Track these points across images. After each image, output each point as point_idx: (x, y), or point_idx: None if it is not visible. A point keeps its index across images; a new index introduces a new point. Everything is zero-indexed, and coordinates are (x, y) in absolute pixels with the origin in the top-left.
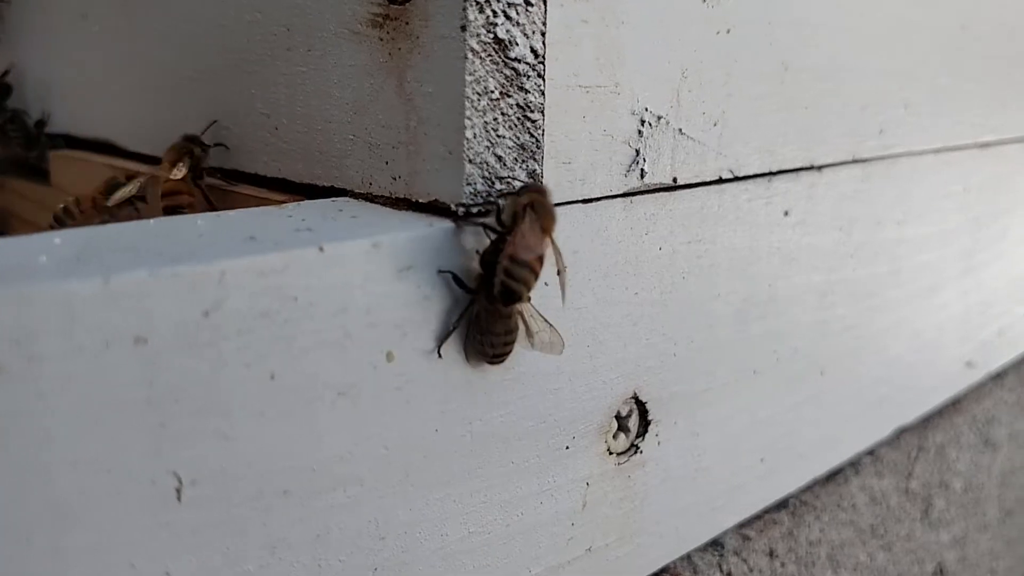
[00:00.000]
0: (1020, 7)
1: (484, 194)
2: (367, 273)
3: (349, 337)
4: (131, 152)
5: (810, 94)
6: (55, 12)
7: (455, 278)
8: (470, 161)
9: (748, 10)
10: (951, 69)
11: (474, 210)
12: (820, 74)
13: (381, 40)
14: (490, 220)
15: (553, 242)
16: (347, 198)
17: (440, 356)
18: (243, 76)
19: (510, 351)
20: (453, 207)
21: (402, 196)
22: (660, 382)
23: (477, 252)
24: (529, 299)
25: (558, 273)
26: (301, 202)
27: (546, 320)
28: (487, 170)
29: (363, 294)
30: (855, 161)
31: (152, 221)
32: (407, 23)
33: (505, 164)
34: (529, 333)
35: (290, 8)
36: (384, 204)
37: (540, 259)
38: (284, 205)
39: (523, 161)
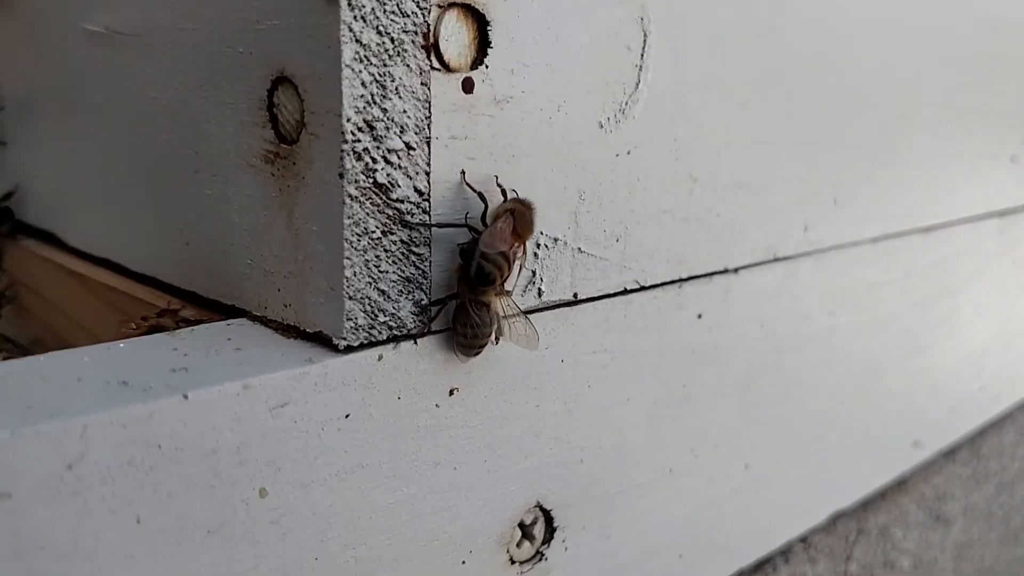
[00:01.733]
0: (968, 89)
1: (367, 327)
2: (237, 414)
3: (218, 477)
4: (70, 247)
5: (723, 202)
6: (35, 114)
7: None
8: (350, 297)
9: (650, 129)
10: (892, 157)
11: (356, 344)
12: (734, 181)
13: (273, 176)
14: (475, 220)
15: (524, 247)
16: (244, 320)
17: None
18: (163, 192)
19: (487, 342)
20: (335, 340)
21: (292, 323)
22: (566, 489)
23: (459, 245)
24: (509, 293)
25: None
26: (194, 328)
27: (523, 313)
28: (369, 304)
29: (232, 435)
30: (776, 260)
31: (42, 358)
32: (294, 163)
33: (389, 297)
34: (505, 321)
35: (199, 133)
36: (277, 330)
37: (504, 255)
38: (175, 333)
39: (409, 292)
